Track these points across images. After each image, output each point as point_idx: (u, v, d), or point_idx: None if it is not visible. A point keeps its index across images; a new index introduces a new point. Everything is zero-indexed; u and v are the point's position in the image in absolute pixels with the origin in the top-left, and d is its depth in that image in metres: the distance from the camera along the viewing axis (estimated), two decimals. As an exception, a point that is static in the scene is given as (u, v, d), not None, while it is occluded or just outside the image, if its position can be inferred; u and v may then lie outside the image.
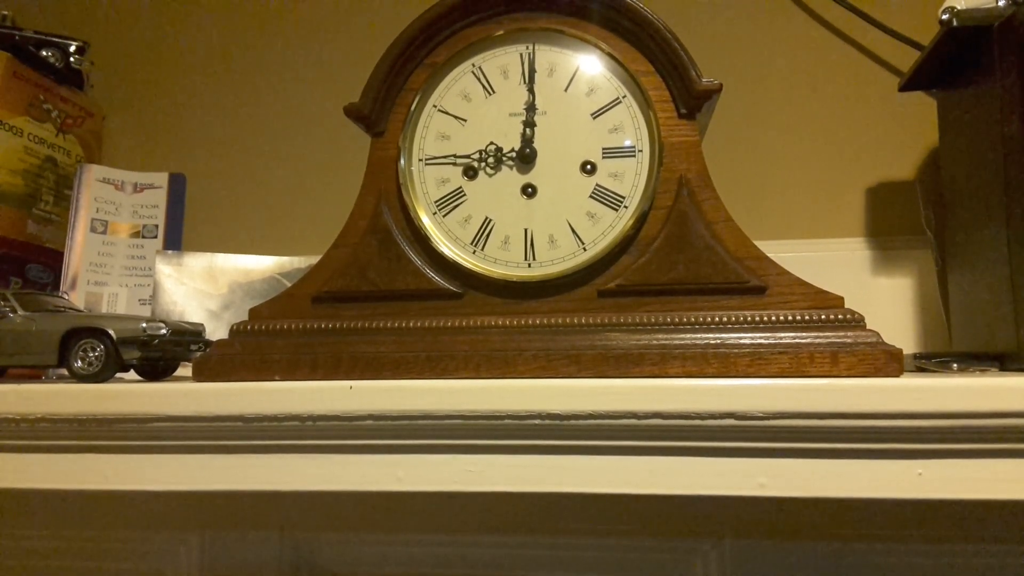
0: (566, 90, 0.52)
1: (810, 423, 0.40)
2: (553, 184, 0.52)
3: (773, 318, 0.46)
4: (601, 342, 0.47)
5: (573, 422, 0.42)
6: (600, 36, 0.52)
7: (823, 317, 0.46)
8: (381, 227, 0.53)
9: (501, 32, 0.53)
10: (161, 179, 0.95)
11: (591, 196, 0.51)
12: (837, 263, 0.80)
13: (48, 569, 0.59)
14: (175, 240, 0.94)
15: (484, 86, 0.53)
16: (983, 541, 0.49)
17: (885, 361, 0.44)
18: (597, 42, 0.52)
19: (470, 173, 0.53)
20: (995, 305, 0.60)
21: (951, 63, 0.66)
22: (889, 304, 0.79)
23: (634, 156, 0.51)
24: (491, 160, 0.53)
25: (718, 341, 0.46)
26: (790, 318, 0.46)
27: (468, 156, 0.53)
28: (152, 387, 0.46)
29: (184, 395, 0.45)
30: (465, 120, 0.53)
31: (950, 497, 0.40)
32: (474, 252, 0.52)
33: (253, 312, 0.53)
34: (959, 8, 0.59)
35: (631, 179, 0.51)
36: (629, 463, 0.42)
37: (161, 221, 0.93)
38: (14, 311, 0.56)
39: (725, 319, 0.47)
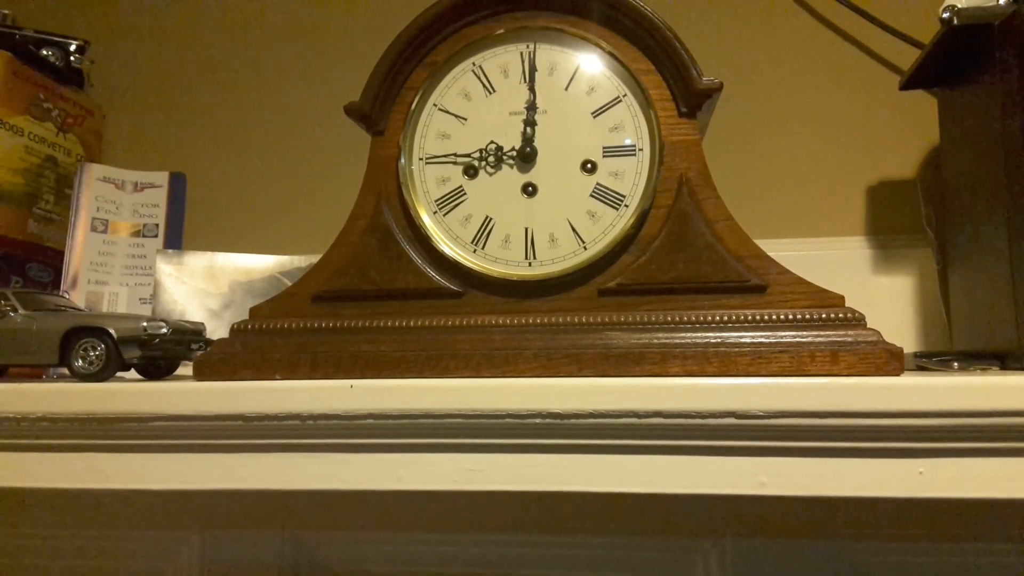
0: (566, 89, 0.52)
1: (811, 422, 0.40)
2: (553, 183, 0.52)
3: (774, 317, 0.46)
4: (602, 341, 0.47)
5: (574, 421, 0.42)
6: (601, 35, 0.52)
7: (824, 316, 0.46)
8: (381, 226, 0.53)
9: (501, 31, 0.53)
10: (161, 178, 0.95)
11: (591, 195, 0.51)
12: (838, 262, 0.80)
13: (49, 568, 0.59)
14: (175, 239, 0.94)
15: (484, 85, 0.53)
16: (984, 540, 0.49)
17: (886, 360, 0.44)
18: (598, 41, 0.52)
19: (470, 172, 0.53)
20: (996, 304, 0.60)
21: (952, 62, 0.66)
22: (890, 303, 0.79)
23: (634, 155, 0.51)
24: (491, 159, 0.53)
25: (719, 340, 0.46)
26: (791, 317, 0.46)
27: (468, 155, 0.53)
28: (153, 386, 0.46)
29: (185, 394, 0.45)
30: (465, 119, 0.53)
31: (951, 496, 0.40)
32: (475, 251, 0.52)
33: (253, 311, 0.53)
34: (960, 7, 0.59)
35: (631, 178, 0.51)
36: (630, 462, 0.42)
37: (161, 220, 0.93)
38: (15, 310, 0.56)
39: (726, 318, 0.47)
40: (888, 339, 0.45)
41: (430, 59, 0.54)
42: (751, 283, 0.48)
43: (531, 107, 0.52)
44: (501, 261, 0.51)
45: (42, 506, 0.59)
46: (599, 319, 0.48)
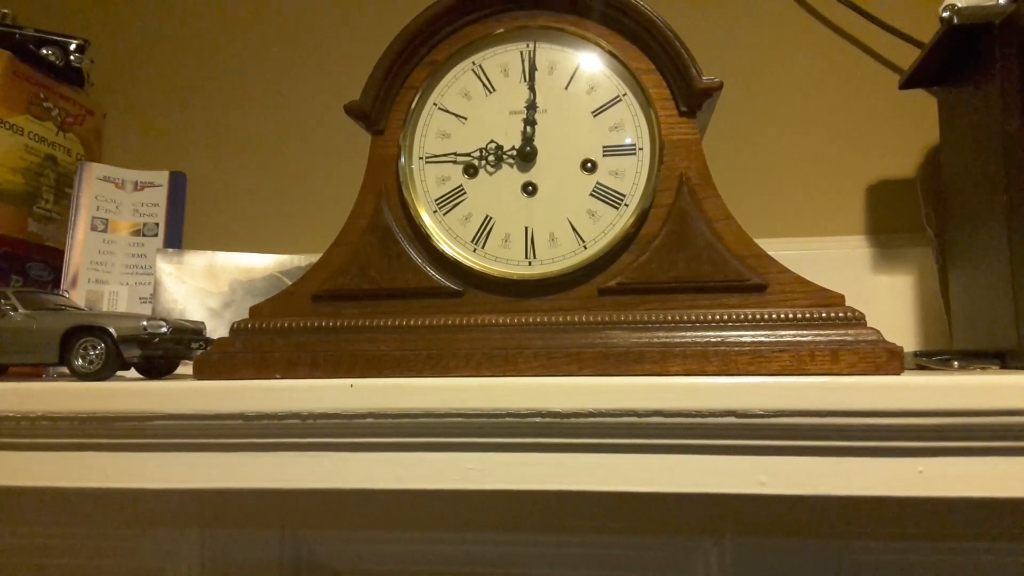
0: (566, 88, 0.52)
1: (811, 421, 0.40)
2: (553, 182, 0.52)
3: (774, 316, 0.46)
4: (602, 340, 0.47)
5: (574, 420, 0.42)
6: (600, 34, 0.52)
7: (824, 315, 0.46)
8: (381, 225, 0.53)
9: (501, 30, 0.53)
10: (161, 177, 0.95)
11: (591, 194, 0.51)
12: (838, 261, 0.80)
13: (49, 568, 0.59)
14: (175, 238, 0.94)
15: (484, 84, 0.53)
16: (984, 539, 0.49)
17: (886, 359, 0.44)
18: (597, 40, 0.52)
19: (470, 171, 0.53)
20: (995, 303, 0.60)
21: (952, 61, 0.66)
22: (890, 302, 0.79)
23: (634, 154, 0.51)
24: (491, 158, 0.53)
25: (719, 339, 0.46)
26: (791, 316, 0.46)
27: (468, 154, 0.53)
28: (153, 385, 0.46)
29: (185, 393, 0.45)
30: (465, 118, 0.53)
31: (950, 495, 0.40)
32: (475, 250, 0.52)
33: (254, 310, 0.53)
34: (960, 6, 0.59)
35: (631, 177, 0.51)
36: (630, 461, 0.42)
37: (162, 219, 0.93)
38: (15, 309, 0.56)
39: (726, 317, 0.47)
40: (888, 338, 0.45)
41: (430, 58, 0.54)
42: (751, 282, 0.48)
43: (531, 106, 0.52)
44: (501, 260, 0.51)
45: (42, 505, 0.59)
46: (599, 318, 0.48)
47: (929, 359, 0.60)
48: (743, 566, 0.51)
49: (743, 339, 0.46)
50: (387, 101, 0.54)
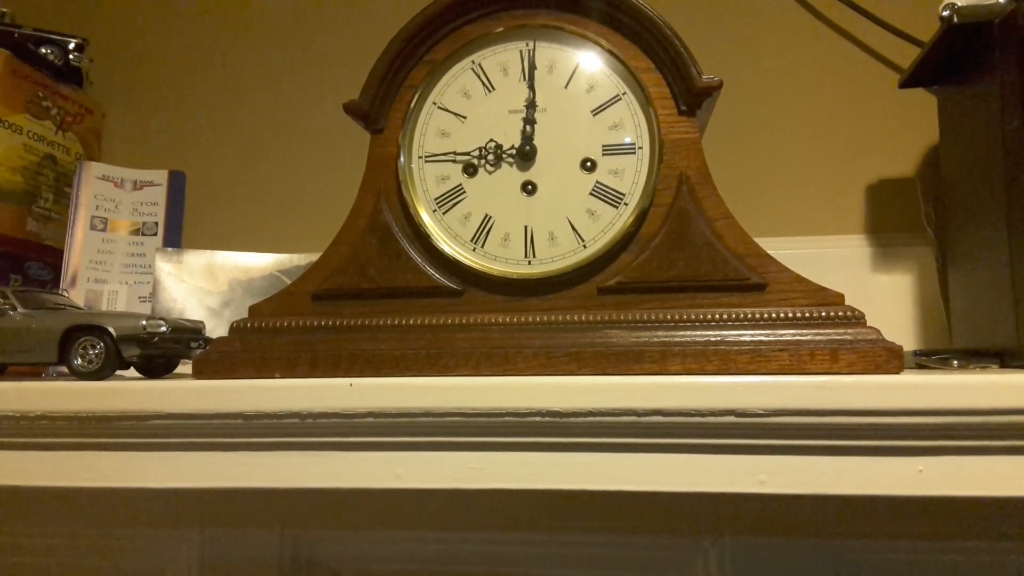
0: (566, 87, 0.52)
1: (810, 420, 0.40)
2: (553, 181, 0.52)
3: (773, 315, 0.46)
4: (601, 339, 0.47)
5: (573, 419, 0.42)
6: (600, 33, 0.52)
7: (823, 314, 0.46)
8: (381, 224, 0.53)
9: (501, 29, 0.53)
10: (161, 176, 0.95)
11: (591, 193, 0.51)
12: (837, 260, 0.80)
13: (48, 567, 0.59)
14: (175, 237, 0.94)
15: (484, 83, 0.53)
16: (983, 538, 0.49)
17: (885, 358, 0.44)
18: (597, 39, 0.52)
19: (470, 170, 0.53)
20: (995, 302, 0.60)
21: (951, 60, 0.66)
22: (889, 301, 0.79)
23: (634, 153, 0.51)
24: (491, 157, 0.53)
25: (718, 338, 0.46)
26: (790, 315, 0.46)
27: (468, 153, 0.53)
28: (152, 385, 0.46)
29: (184, 392, 0.45)
30: (465, 117, 0.53)
31: (950, 494, 0.40)
32: (474, 249, 0.52)
33: (253, 310, 0.53)
34: (960, 4, 0.59)
35: (631, 176, 0.51)
36: (629, 460, 0.42)
37: (161, 218, 0.93)
38: (14, 309, 0.56)
39: (725, 316, 0.47)
40: (888, 337, 0.45)
41: (429, 57, 0.54)
42: (751, 281, 0.48)
43: (531, 105, 0.52)
44: (501, 259, 0.51)
45: (41, 505, 0.59)
46: (599, 317, 0.48)
47: (929, 358, 0.60)
48: (743, 566, 0.51)
49: (743, 338, 0.46)
50: (386, 100, 0.54)
